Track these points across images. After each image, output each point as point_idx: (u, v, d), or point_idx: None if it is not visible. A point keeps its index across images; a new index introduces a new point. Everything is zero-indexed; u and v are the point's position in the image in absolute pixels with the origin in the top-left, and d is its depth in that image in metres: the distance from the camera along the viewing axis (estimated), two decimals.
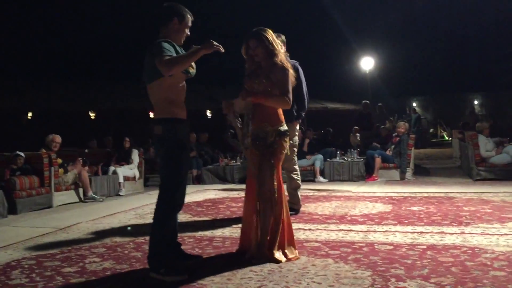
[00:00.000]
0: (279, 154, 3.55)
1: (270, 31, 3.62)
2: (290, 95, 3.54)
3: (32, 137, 12.02)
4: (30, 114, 18.31)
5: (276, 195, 3.52)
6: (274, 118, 3.57)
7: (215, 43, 3.16)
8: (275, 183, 3.52)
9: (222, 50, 3.21)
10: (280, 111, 3.63)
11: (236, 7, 27.43)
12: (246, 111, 3.63)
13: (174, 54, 3.14)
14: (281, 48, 3.78)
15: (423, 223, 4.64)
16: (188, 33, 3.41)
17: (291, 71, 3.59)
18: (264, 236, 3.53)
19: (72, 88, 20.96)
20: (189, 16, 3.39)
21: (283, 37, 5.19)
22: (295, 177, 5.41)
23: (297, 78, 5.03)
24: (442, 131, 24.49)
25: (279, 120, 3.58)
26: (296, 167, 5.46)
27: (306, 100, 5.43)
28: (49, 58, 24.55)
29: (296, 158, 5.50)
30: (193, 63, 3.28)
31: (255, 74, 3.61)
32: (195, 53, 3.15)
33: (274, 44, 3.56)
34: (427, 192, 6.74)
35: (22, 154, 7.21)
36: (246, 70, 3.71)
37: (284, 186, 3.81)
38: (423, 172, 10.00)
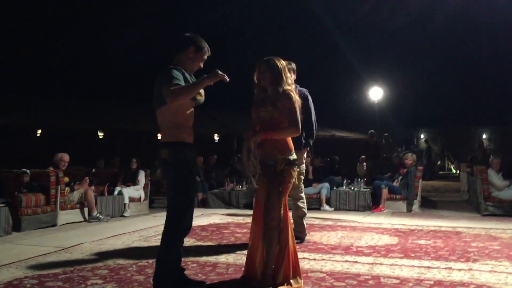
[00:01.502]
0: (287, 183, 3.55)
1: (282, 61, 3.66)
2: (299, 124, 3.55)
3: (41, 154, 12.07)
4: (39, 131, 18.44)
5: (282, 223, 3.50)
6: (284, 146, 3.57)
7: (220, 72, 3.22)
8: (282, 211, 3.50)
9: (227, 79, 3.26)
10: (289, 139, 3.64)
11: (248, 37, 27.84)
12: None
13: (182, 83, 3.18)
14: (291, 76, 3.81)
15: (430, 258, 4.57)
16: (201, 66, 3.47)
17: (297, 98, 3.60)
18: (269, 265, 3.49)
19: (82, 106, 21.11)
20: (206, 49, 3.45)
21: (293, 65, 5.24)
22: (301, 205, 5.38)
23: (306, 106, 5.09)
24: (450, 163, 24.36)
25: (289, 149, 3.59)
26: (303, 195, 5.44)
27: (314, 129, 5.44)
28: (61, 76, 24.92)
29: (302, 186, 5.48)
30: (201, 91, 3.32)
31: (262, 102, 3.63)
32: (200, 83, 3.21)
33: (283, 73, 3.60)
34: (434, 226, 6.66)
35: (27, 171, 7.23)
36: (255, 96, 3.74)
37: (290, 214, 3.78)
38: (430, 205, 9.90)
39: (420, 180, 9.00)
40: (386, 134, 14.55)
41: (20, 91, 21.12)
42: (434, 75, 31.68)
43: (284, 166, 3.51)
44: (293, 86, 3.77)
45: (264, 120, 3.57)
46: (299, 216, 5.36)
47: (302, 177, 5.45)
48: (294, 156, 3.59)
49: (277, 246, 3.48)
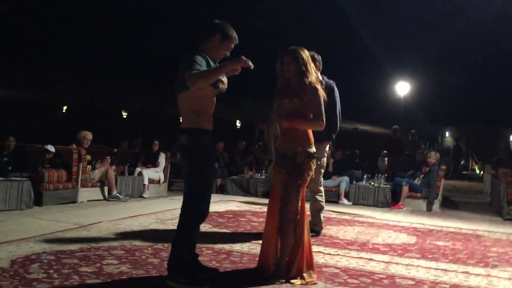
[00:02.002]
0: (306, 176, 3.52)
1: (306, 51, 3.61)
2: (324, 118, 3.52)
3: (65, 130, 12.26)
4: (65, 108, 18.73)
5: (299, 216, 3.48)
6: (305, 138, 3.53)
7: (244, 58, 3.18)
8: (299, 204, 3.47)
9: (251, 65, 3.21)
10: (310, 131, 3.60)
11: (276, 28, 27.63)
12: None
13: (204, 69, 3.15)
14: (315, 69, 3.75)
15: (447, 260, 4.48)
16: (228, 54, 3.42)
17: (321, 92, 3.56)
18: (283, 257, 3.48)
19: (108, 85, 21.36)
20: (233, 38, 3.40)
21: (319, 57, 5.18)
22: (319, 199, 5.33)
23: (331, 98, 5.02)
24: (474, 164, 23.89)
25: (309, 141, 3.55)
26: (322, 188, 5.39)
27: (338, 122, 5.36)
28: (90, 54, 25.16)
29: (322, 179, 5.42)
30: (224, 79, 3.29)
31: (286, 93, 3.59)
32: (221, 68, 3.19)
33: (308, 65, 3.56)
34: (454, 227, 6.54)
35: (50, 149, 7.34)
36: (277, 85, 3.70)
37: (307, 206, 3.76)
38: (451, 205, 9.73)
39: (442, 179, 8.83)
40: (413, 131, 14.29)
41: (49, 67, 21.43)
42: (463, 72, 30.95)
43: (304, 159, 3.48)
44: (317, 76, 3.70)
45: (287, 112, 3.53)
46: (316, 209, 5.32)
47: (323, 170, 5.40)
48: (313, 149, 3.55)
49: (292, 238, 3.47)
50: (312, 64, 3.65)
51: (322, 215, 5.38)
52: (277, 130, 3.60)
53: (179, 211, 3.35)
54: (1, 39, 20.49)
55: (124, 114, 20.21)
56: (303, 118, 3.52)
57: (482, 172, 18.79)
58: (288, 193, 3.46)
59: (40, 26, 23.19)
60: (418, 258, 4.49)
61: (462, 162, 23.48)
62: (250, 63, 3.22)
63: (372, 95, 27.86)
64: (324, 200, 5.41)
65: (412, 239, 5.47)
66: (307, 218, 3.68)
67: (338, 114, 5.35)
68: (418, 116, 27.13)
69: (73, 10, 24.81)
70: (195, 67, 3.08)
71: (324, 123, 3.53)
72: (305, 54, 3.57)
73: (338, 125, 5.40)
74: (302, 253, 3.49)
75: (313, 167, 3.57)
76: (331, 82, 5.36)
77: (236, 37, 3.42)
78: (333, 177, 9.16)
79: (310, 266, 3.55)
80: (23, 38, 22.53)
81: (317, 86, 3.54)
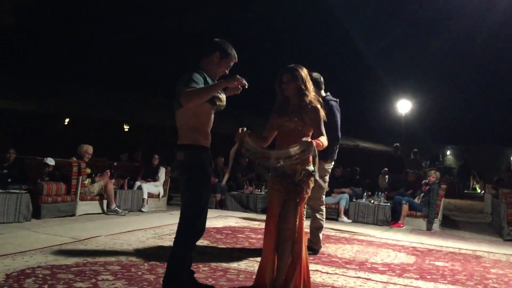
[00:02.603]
0: (304, 194, 3.50)
1: (305, 70, 3.62)
2: (325, 136, 3.51)
3: (66, 143, 12.27)
4: (67, 120, 18.77)
5: (297, 235, 3.45)
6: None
7: (238, 77, 3.20)
8: (297, 223, 3.45)
9: (246, 84, 3.24)
10: None
11: (277, 46, 27.82)
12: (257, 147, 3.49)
13: (200, 86, 3.16)
14: (314, 89, 3.73)
15: (446, 281, 4.45)
16: (227, 72, 3.45)
17: (321, 111, 3.56)
18: (279, 275, 3.44)
19: (111, 98, 21.44)
20: (233, 56, 3.42)
21: (321, 78, 5.25)
22: (319, 217, 5.31)
23: (330, 117, 5.06)
24: (475, 183, 23.81)
25: (308, 159, 3.54)
26: (323, 207, 5.37)
27: (337, 141, 5.37)
28: (93, 66, 25.30)
29: (324, 197, 5.41)
30: (222, 97, 3.31)
31: (285, 112, 3.58)
32: (215, 86, 3.20)
33: (307, 83, 3.57)
34: (453, 247, 6.50)
35: (50, 162, 7.34)
36: (277, 105, 3.70)
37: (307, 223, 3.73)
38: (451, 225, 9.68)
39: (443, 198, 8.80)
40: (415, 150, 14.30)
41: (52, 79, 21.55)
42: (464, 90, 31.07)
43: (303, 177, 3.46)
44: (316, 95, 3.70)
45: (288, 130, 3.53)
46: (316, 228, 5.30)
47: (324, 190, 5.39)
48: (311, 166, 3.54)
49: (289, 257, 3.44)
50: (311, 83, 3.65)
51: (321, 233, 5.35)
52: (249, 142, 3.46)
53: (176, 227, 3.33)
54: (3, 50, 20.63)
55: (126, 128, 20.25)
56: (301, 138, 3.50)
57: (483, 192, 18.72)
58: (285, 211, 3.44)
59: (43, 38, 23.36)
60: (416, 279, 4.46)
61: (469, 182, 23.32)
62: (244, 82, 3.24)
63: (373, 113, 27.92)
64: (324, 219, 5.38)
65: (411, 259, 5.43)
66: (305, 237, 3.66)
67: (338, 134, 5.35)
68: (419, 134, 27.15)
69: (76, 23, 25.02)
70: (191, 84, 3.09)
71: (327, 141, 3.52)
72: (304, 72, 3.58)
73: (337, 146, 5.40)
74: (299, 272, 3.46)
75: (311, 185, 3.56)
76: (332, 100, 5.38)
77: (236, 55, 3.43)
78: (333, 194, 9.13)
79: (307, 285, 3.52)
80: (25, 49, 22.70)
81: (317, 105, 3.55)
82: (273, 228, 3.50)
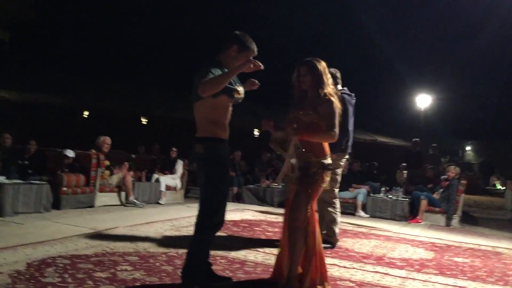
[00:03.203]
0: (317, 186, 3.46)
1: (323, 63, 3.58)
2: (336, 129, 3.46)
3: (86, 135, 12.42)
4: (86, 113, 19.00)
5: (311, 226, 3.42)
6: (319, 149, 3.49)
7: (252, 60, 3.18)
8: (309, 213, 3.42)
9: (261, 66, 3.19)
10: (325, 143, 3.56)
11: (296, 40, 27.64)
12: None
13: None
14: (332, 82, 3.69)
15: (466, 277, 4.38)
16: None
17: (336, 103, 3.51)
18: (294, 267, 3.41)
19: (129, 91, 21.62)
20: (252, 49, 3.36)
21: (337, 73, 5.23)
22: (331, 210, 5.29)
23: (343, 111, 5.06)
24: (495, 179, 23.43)
25: (324, 152, 3.50)
26: (335, 200, 5.34)
27: (349, 136, 5.33)
28: (112, 59, 25.53)
29: (336, 191, 5.38)
30: (241, 89, 3.29)
31: (301, 105, 3.56)
32: (231, 72, 3.16)
33: (323, 76, 3.52)
34: (473, 243, 6.41)
35: (69, 154, 7.42)
36: (294, 97, 3.68)
37: None
38: (470, 221, 9.55)
39: (462, 194, 8.68)
40: (434, 144, 14.11)
41: (71, 73, 21.81)
42: (485, 85, 30.51)
43: (318, 169, 3.43)
44: (333, 88, 3.66)
45: (303, 123, 3.50)
46: (329, 220, 5.28)
47: (337, 183, 5.36)
48: (329, 160, 3.51)
49: (301, 247, 3.40)
50: (329, 75, 3.61)
51: (336, 227, 5.31)
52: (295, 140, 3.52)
53: (194, 219, 3.34)
54: (24, 44, 20.93)
55: (144, 121, 20.40)
56: (315, 130, 3.48)
57: (503, 188, 18.41)
58: (296, 200, 3.41)
59: (63, 32, 23.63)
60: (435, 275, 4.40)
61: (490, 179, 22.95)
62: (259, 63, 3.18)
63: (392, 107, 27.62)
64: (337, 212, 5.35)
65: (430, 255, 5.37)
66: (319, 230, 3.61)
67: (349, 129, 5.29)
68: (439, 129, 26.79)
69: (96, 18, 25.24)
70: (208, 76, 3.08)
71: (337, 134, 3.46)
72: (321, 65, 3.54)
73: (350, 139, 5.36)
74: (315, 264, 3.44)
75: (327, 179, 3.52)
76: (346, 94, 5.34)
77: (255, 49, 3.37)
78: (350, 189, 9.09)
79: (324, 278, 3.50)
80: (46, 43, 22.98)
81: (331, 98, 3.50)
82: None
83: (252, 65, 3.18)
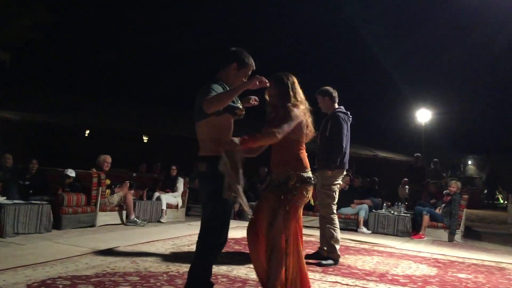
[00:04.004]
0: (296, 202, 3.35)
1: (293, 77, 3.53)
2: (282, 130, 3.27)
3: (87, 154, 12.45)
4: (87, 132, 19.07)
5: (288, 244, 3.31)
6: (298, 163, 3.43)
7: (258, 76, 3.20)
8: (284, 230, 3.29)
9: (267, 82, 3.23)
10: (304, 156, 3.49)
11: (295, 56, 27.87)
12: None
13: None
14: (302, 97, 3.54)
15: None
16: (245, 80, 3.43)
17: (296, 113, 3.39)
18: (271, 279, 3.32)
19: (130, 110, 21.73)
20: (250, 65, 3.40)
21: (334, 92, 5.33)
22: (329, 226, 5.26)
23: (333, 127, 5.11)
24: (497, 193, 23.33)
25: (303, 165, 3.44)
26: (333, 216, 5.30)
27: (346, 153, 5.33)
28: (113, 79, 25.74)
29: (334, 206, 5.34)
30: (242, 107, 3.30)
31: (273, 120, 3.48)
32: (236, 89, 3.18)
33: (289, 90, 3.46)
34: (476, 259, 6.36)
35: (70, 174, 7.43)
36: (267, 114, 3.63)
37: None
38: (473, 236, 9.49)
39: (465, 209, 8.64)
40: (436, 159, 14.11)
41: (73, 93, 21.96)
42: (486, 99, 30.61)
43: (296, 183, 3.34)
44: (305, 104, 3.55)
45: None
46: (328, 236, 5.26)
47: (335, 200, 5.34)
48: (309, 173, 3.42)
49: (281, 267, 3.31)
50: (300, 91, 3.53)
51: (336, 243, 5.26)
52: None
53: (196, 237, 3.32)
54: (25, 64, 21.10)
55: (145, 139, 20.46)
56: (291, 146, 3.41)
57: (506, 202, 18.33)
58: (273, 217, 3.30)
59: (64, 53, 23.85)
60: None
61: (485, 191, 22.92)
62: (264, 79, 3.21)
63: (392, 122, 27.68)
64: (336, 228, 5.29)
65: (433, 271, 5.33)
66: (302, 249, 3.49)
67: (342, 141, 5.28)
68: (440, 143, 26.78)
69: (96, 38, 25.51)
70: (211, 93, 3.11)
71: (282, 135, 3.26)
72: (288, 78, 3.49)
73: (345, 155, 5.36)
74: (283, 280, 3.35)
75: (307, 194, 3.41)
76: (341, 112, 5.37)
77: (253, 63, 3.41)
78: (351, 205, 9.06)
79: None
80: (48, 63, 23.19)
81: (291, 107, 3.39)
82: (257, 229, 3.40)
83: (257, 82, 3.21)
